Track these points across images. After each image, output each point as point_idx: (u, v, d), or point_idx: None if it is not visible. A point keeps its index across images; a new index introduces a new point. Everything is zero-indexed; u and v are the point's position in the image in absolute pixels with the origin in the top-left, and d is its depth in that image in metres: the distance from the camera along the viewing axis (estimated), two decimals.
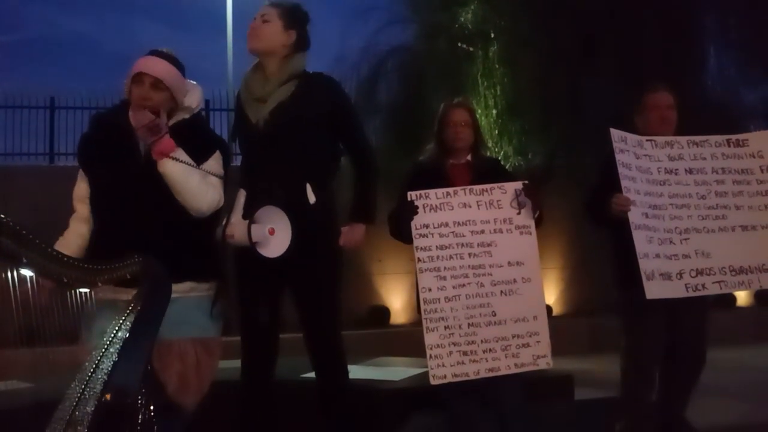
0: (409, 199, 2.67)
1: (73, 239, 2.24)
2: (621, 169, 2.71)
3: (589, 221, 2.96)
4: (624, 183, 2.70)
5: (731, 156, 2.88)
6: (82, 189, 2.28)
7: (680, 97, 2.99)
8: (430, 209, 2.67)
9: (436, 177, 2.78)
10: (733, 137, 2.93)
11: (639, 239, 2.65)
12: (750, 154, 2.89)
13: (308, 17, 2.64)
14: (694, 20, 6.65)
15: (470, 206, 2.69)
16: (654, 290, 2.63)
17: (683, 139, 2.87)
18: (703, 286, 2.70)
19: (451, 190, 2.71)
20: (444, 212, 2.68)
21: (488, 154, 3.67)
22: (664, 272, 2.67)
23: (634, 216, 2.67)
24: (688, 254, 2.72)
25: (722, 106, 6.41)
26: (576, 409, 3.65)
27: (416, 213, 2.65)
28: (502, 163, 3.71)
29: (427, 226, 2.66)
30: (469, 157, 2.87)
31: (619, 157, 2.73)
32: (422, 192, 2.68)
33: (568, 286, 8.31)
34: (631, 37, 6.01)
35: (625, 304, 2.89)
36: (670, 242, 2.72)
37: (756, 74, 6.76)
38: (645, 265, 2.63)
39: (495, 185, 2.72)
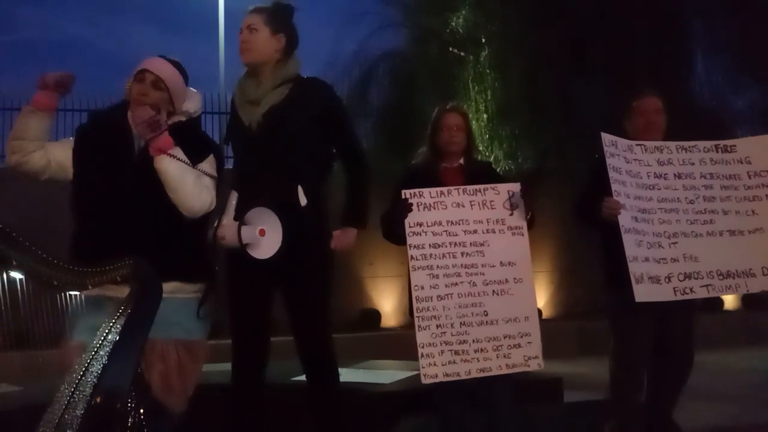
0: (403, 197, 2.68)
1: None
2: (611, 173, 2.73)
3: (579, 224, 2.98)
4: (614, 187, 2.72)
5: (719, 161, 2.91)
6: (65, 147, 2.26)
7: (669, 101, 3.01)
8: (424, 208, 2.69)
9: (429, 180, 2.79)
10: (722, 143, 2.96)
11: (628, 243, 2.67)
12: (738, 159, 2.92)
13: (293, 11, 2.63)
14: (682, 25, 6.72)
15: (463, 206, 2.71)
16: (643, 293, 2.65)
17: (672, 144, 2.90)
18: (691, 289, 2.73)
19: (444, 189, 2.73)
20: (437, 211, 2.69)
21: (479, 158, 3.68)
22: (653, 275, 2.69)
23: (624, 219, 2.69)
24: (677, 258, 2.75)
25: (710, 111, 6.47)
26: (565, 411, 3.67)
27: (410, 210, 2.66)
28: (493, 166, 3.73)
29: (420, 225, 2.67)
30: (461, 161, 2.89)
31: (609, 161, 2.75)
32: (416, 191, 2.70)
33: (557, 289, 8.34)
34: (620, 41, 6.06)
35: (614, 307, 2.91)
36: (659, 246, 2.74)
37: (743, 80, 6.83)
38: (634, 269, 2.65)
39: (488, 186, 2.75)
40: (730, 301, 8.70)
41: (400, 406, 3.31)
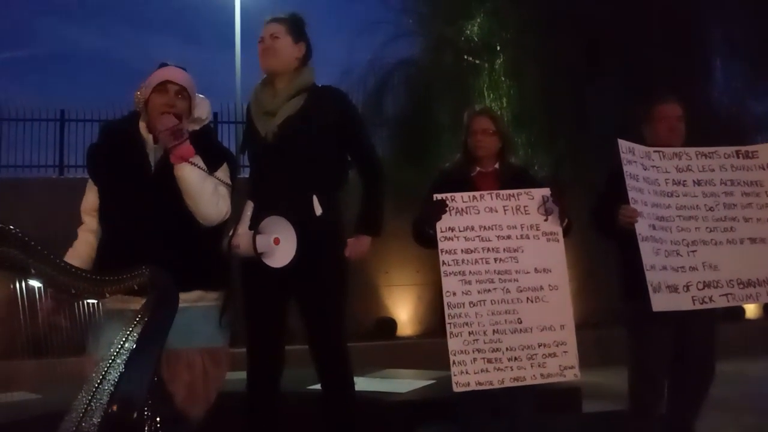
0: (434, 200, 2.63)
1: (84, 249, 2.26)
2: (628, 181, 2.70)
3: (595, 232, 2.95)
4: (631, 194, 2.69)
5: (740, 168, 2.86)
6: (90, 201, 2.30)
7: (686, 108, 2.98)
8: (456, 212, 2.63)
9: (462, 184, 2.75)
10: (743, 149, 2.91)
11: (646, 251, 2.64)
12: (759, 165, 2.87)
13: (305, 23, 2.66)
14: (699, 31, 6.66)
15: (497, 211, 2.66)
16: (660, 302, 2.61)
17: (692, 151, 2.86)
18: (710, 298, 2.68)
19: (477, 194, 2.68)
20: (470, 216, 2.64)
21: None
22: (671, 284, 2.66)
23: (641, 227, 2.66)
24: (696, 266, 2.71)
25: (729, 118, 6.40)
26: (584, 421, 3.63)
27: (445, 212, 2.61)
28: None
29: (452, 229, 2.62)
30: (496, 165, 2.84)
31: (626, 168, 2.72)
32: (449, 195, 2.65)
33: (574, 298, 8.19)
34: (636, 48, 6.03)
35: (633, 316, 2.87)
36: (677, 254, 2.71)
37: (762, 86, 6.75)
38: (652, 277, 2.62)
39: (522, 191, 2.70)
40: (751, 309, 8.57)
41: (416, 415, 3.29)
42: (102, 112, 8.71)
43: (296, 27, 2.61)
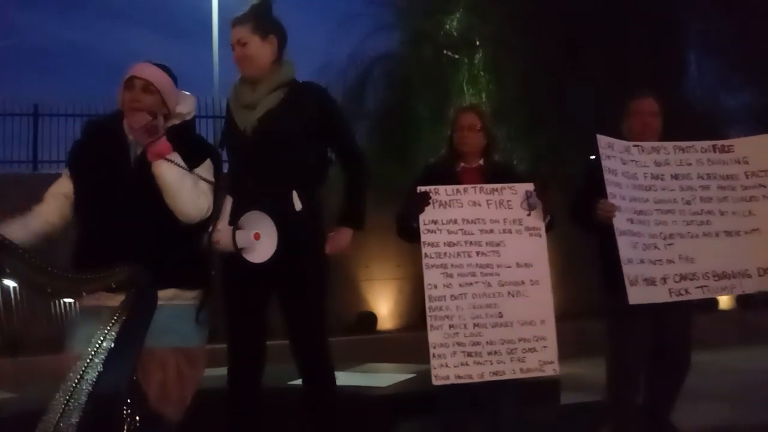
0: (418, 192, 2.64)
1: (36, 222, 2.19)
2: (607, 175, 2.73)
3: (574, 226, 2.98)
4: (609, 189, 2.72)
5: (717, 162, 2.91)
6: (61, 186, 2.25)
7: (663, 102, 3.02)
8: (440, 205, 2.64)
9: (447, 179, 2.75)
10: (719, 143, 2.96)
11: (623, 245, 2.67)
12: (735, 159, 2.92)
13: (271, 3, 2.57)
14: (676, 27, 6.75)
15: (480, 204, 2.67)
16: (637, 295, 2.65)
17: (669, 145, 2.90)
18: (687, 291, 2.73)
19: (461, 187, 2.69)
20: (453, 209, 2.65)
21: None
22: (648, 277, 2.70)
23: (619, 222, 2.69)
24: (672, 259, 2.75)
25: (705, 112, 6.50)
26: (562, 413, 3.67)
27: (428, 204, 2.62)
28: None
29: (435, 222, 2.63)
30: (481, 162, 2.85)
31: (605, 163, 2.75)
32: (432, 187, 2.65)
33: (554, 290, 8.31)
34: (615, 43, 6.09)
35: (611, 309, 2.91)
36: (655, 247, 2.75)
37: (737, 80, 6.86)
38: (629, 271, 2.65)
39: (506, 185, 2.71)
40: (725, 300, 8.72)
41: (397, 409, 3.30)
42: (77, 106, 8.57)
43: (260, 21, 2.52)
